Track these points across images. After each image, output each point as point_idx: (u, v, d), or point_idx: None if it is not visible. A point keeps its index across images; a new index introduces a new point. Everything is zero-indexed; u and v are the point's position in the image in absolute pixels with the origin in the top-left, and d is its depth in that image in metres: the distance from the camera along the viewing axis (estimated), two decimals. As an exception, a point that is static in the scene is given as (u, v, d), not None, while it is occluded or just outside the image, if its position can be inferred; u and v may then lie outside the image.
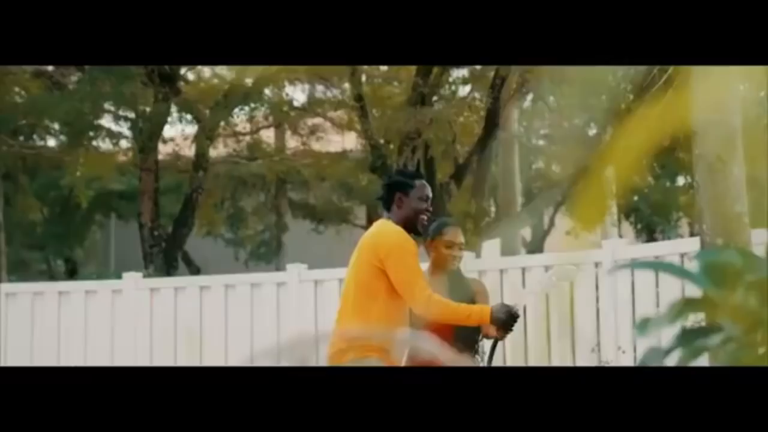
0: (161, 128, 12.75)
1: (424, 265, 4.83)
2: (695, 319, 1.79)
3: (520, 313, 4.59)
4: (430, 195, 4.79)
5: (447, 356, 4.41)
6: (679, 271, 1.78)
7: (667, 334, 1.81)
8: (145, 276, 10.41)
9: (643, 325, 1.74)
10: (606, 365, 6.71)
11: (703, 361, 1.78)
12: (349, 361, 4.54)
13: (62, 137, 14.90)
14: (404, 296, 4.45)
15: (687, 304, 1.75)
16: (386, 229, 4.64)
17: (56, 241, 17.72)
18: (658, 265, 1.72)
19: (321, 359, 7.99)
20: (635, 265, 1.83)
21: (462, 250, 5.02)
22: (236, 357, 9.17)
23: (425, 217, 4.72)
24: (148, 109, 12.36)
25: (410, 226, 4.67)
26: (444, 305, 4.46)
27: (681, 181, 17.55)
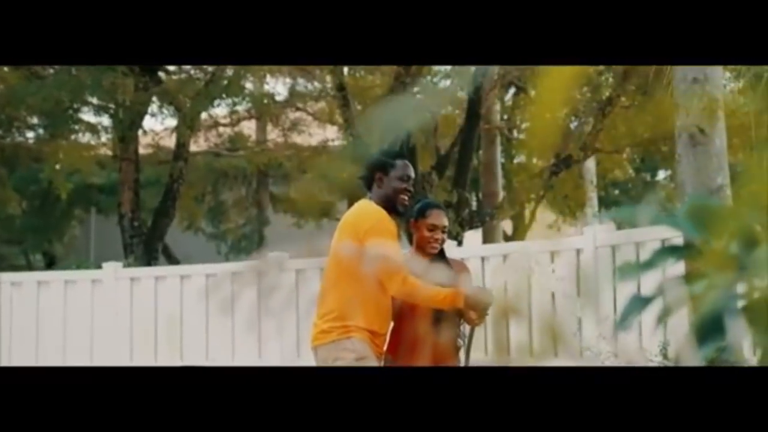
0: (142, 118, 12.70)
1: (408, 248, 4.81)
2: (677, 266, 1.77)
3: (493, 297, 4.57)
4: (412, 175, 4.75)
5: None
6: (663, 218, 1.77)
7: (649, 283, 1.79)
8: (125, 266, 10.35)
9: (624, 270, 1.72)
10: (587, 351, 6.72)
11: (684, 310, 1.76)
12: (331, 341, 4.53)
13: (41, 130, 14.80)
14: (380, 275, 4.42)
15: (670, 251, 1.74)
16: (366, 208, 4.61)
17: (35, 236, 17.58)
18: (640, 212, 1.71)
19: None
20: (619, 212, 1.83)
21: (445, 232, 4.99)
22: (218, 347, 9.14)
23: (406, 197, 4.68)
24: (128, 100, 12.29)
25: (390, 206, 4.64)
26: (418, 287, 4.42)
27: (662, 174, 17.63)
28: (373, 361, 4.49)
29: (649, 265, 1.68)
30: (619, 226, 7.61)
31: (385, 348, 4.65)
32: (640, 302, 1.71)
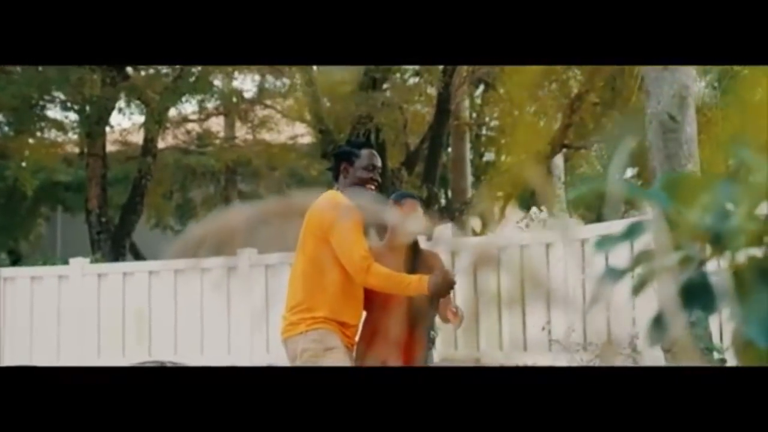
0: (109, 113, 12.62)
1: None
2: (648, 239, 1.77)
3: (457, 279, 4.56)
4: (378, 165, 4.69)
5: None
6: (637, 191, 1.77)
7: (622, 256, 1.80)
8: (92, 262, 10.26)
9: (601, 242, 1.72)
10: (555, 341, 6.75)
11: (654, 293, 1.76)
12: (299, 333, 4.50)
13: (6, 128, 14.66)
14: (345, 265, 4.39)
15: (645, 222, 1.74)
16: (331, 198, 4.58)
17: (0, 234, 17.41)
18: (609, 180, 1.72)
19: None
20: (589, 181, 1.80)
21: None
22: (186, 342, 9.09)
23: (372, 187, 4.65)
24: (95, 96, 12.21)
25: None
26: (384, 275, 4.39)
27: (629, 173, 17.72)
28: (342, 352, 4.47)
29: (626, 237, 1.68)
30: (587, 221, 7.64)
31: (357, 339, 4.63)
32: (613, 274, 1.71)
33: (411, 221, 4.54)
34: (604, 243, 1.70)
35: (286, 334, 4.57)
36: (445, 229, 9.07)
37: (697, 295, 1.60)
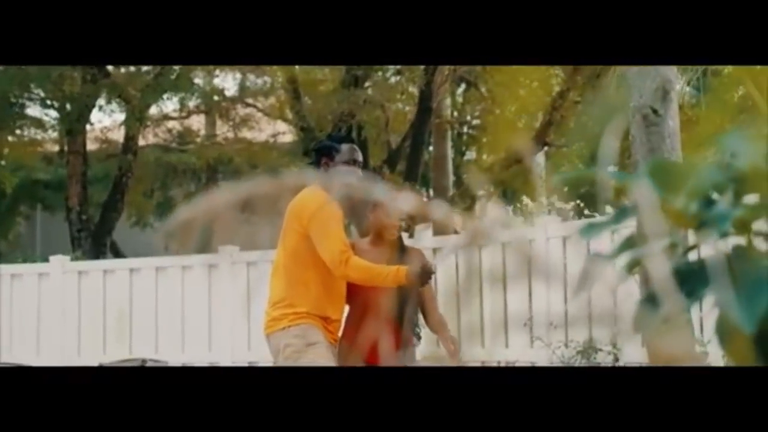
0: (89, 110, 12.56)
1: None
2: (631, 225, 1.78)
3: (434, 269, 4.56)
4: (359, 159, 4.70)
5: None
6: (624, 177, 1.77)
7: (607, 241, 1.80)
8: (73, 259, 10.21)
9: (587, 229, 1.72)
10: (537, 338, 6.77)
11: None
12: (281, 329, 4.50)
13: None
14: (324, 259, 4.39)
15: (631, 210, 1.74)
16: (310, 194, 4.58)
17: (-23, 232, 17.30)
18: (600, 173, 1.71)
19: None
20: (575, 174, 1.79)
21: (402, 219, 4.99)
22: (167, 340, 9.06)
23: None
24: (76, 93, 12.15)
25: None
26: (362, 267, 4.39)
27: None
28: (325, 347, 4.47)
29: (613, 223, 1.68)
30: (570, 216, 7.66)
31: (339, 334, 4.63)
32: (601, 260, 1.70)
33: (401, 199, 4.53)
34: (591, 230, 1.70)
35: (268, 329, 4.57)
36: (426, 226, 9.08)
37: (682, 281, 1.60)
